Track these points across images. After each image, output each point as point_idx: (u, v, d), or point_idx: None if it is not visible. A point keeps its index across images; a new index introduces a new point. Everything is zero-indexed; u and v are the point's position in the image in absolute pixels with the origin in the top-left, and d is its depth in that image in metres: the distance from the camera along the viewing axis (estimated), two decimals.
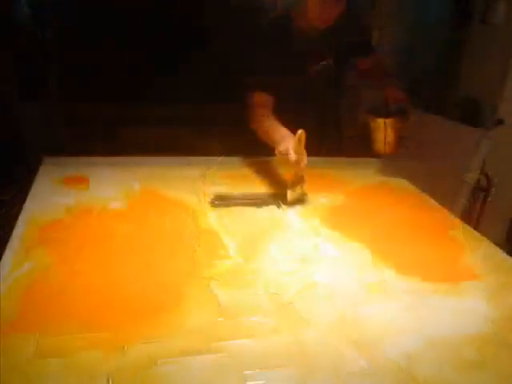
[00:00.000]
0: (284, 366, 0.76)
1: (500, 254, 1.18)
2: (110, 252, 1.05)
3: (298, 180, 1.35)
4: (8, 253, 0.99)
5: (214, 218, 1.24)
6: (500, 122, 2.33)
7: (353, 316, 0.90)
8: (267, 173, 1.57)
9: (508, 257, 1.16)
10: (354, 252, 1.13)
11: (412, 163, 1.92)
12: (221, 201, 1.34)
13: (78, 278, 0.94)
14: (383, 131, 1.54)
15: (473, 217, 2.06)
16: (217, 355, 0.77)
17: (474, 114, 2.43)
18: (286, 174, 1.50)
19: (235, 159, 1.70)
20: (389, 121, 1.53)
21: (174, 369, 0.73)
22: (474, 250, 1.18)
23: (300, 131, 1.28)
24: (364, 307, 0.92)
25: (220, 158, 1.64)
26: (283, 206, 1.34)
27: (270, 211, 1.32)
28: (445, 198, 1.52)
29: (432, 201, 1.48)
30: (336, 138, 1.95)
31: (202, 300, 0.90)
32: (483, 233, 1.29)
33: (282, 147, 1.30)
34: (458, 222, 1.36)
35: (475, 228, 1.36)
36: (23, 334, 0.77)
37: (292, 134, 1.32)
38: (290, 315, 0.88)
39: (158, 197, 1.34)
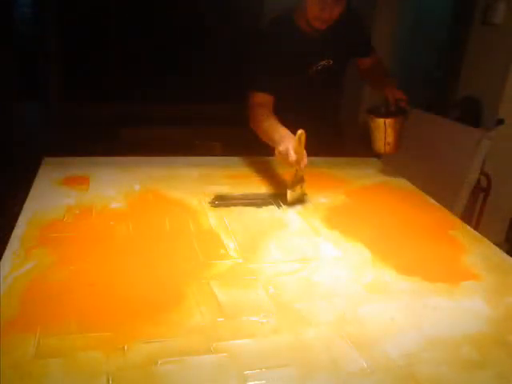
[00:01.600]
0: (284, 365, 0.76)
1: (500, 254, 1.18)
2: (110, 252, 1.05)
3: (298, 180, 1.35)
4: (8, 253, 0.99)
5: (213, 218, 1.24)
6: (500, 121, 2.33)
7: (353, 316, 0.90)
8: (267, 173, 1.57)
9: (508, 257, 1.16)
10: (354, 252, 1.13)
11: (412, 163, 1.92)
12: (221, 201, 1.34)
13: (78, 277, 0.94)
14: (383, 131, 1.54)
15: (473, 217, 2.06)
16: (217, 355, 0.77)
17: (474, 114, 2.43)
18: (285, 174, 1.50)
19: (235, 159, 1.70)
20: (389, 121, 1.53)
21: (174, 369, 0.73)
22: (474, 250, 1.18)
23: (300, 131, 1.28)
24: (364, 307, 0.92)
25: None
26: (283, 205, 1.35)
27: (270, 211, 1.32)
28: (445, 198, 1.52)
29: (432, 201, 1.48)
30: (336, 138, 1.95)
31: (202, 300, 0.90)
32: (483, 233, 1.29)
33: (281, 147, 1.30)
34: (458, 221, 1.36)
35: (475, 228, 1.37)
36: (23, 334, 0.77)
37: (292, 134, 1.32)
38: (290, 315, 0.88)
39: (158, 197, 1.34)
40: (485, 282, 1.05)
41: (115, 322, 0.83)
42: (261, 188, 1.47)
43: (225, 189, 1.42)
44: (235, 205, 1.33)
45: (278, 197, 1.38)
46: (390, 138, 1.55)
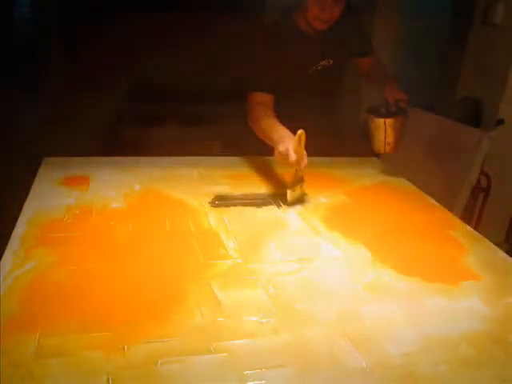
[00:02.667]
0: (284, 365, 0.76)
1: (499, 254, 1.18)
2: (111, 252, 1.05)
3: (298, 180, 1.35)
4: (8, 253, 0.99)
5: (213, 218, 1.24)
6: (500, 121, 2.33)
7: (352, 316, 0.90)
8: (267, 173, 1.57)
9: (507, 257, 1.16)
10: (354, 252, 1.14)
11: (412, 163, 1.92)
12: (221, 201, 1.34)
13: (78, 277, 0.94)
14: (383, 131, 1.54)
15: (473, 217, 2.06)
16: (217, 355, 0.77)
17: (474, 114, 2.43)
18: (285, 174, 1.50)
19: (235, 159, 1.70)
20: (389, 121, 1.53)
21: (174, 369, 0.73)
22: (474, 250, 1.18)
23: (300, 131, 1.28)
24: (364, 307, 0.93)
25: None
26: (283, 205, 1.35)
27: (270, 211, 1.32)
28: (445, 198, 1.52)
29: (432, 201, 1.48)
30: (336, 138, 1.95)
31: (203, 300, 0.90)
32: (483, 233, 1.29)
33: (281, 147, 1.30)
34: (458, 221, 1.37)
35: (475, 228, 1.37)
36: (24, 334, 0.78)
37: (291, 134, 1.32)
38: (290, 315, 0.89)
39: (158, 197, 1.34)
40: (484, 282, 1.05)
41: (115, 322, 0.83)
42: (261, 188, 1.47)
43: (225, 189, 1.42)
44: (235, 205, 1.33)
45: (278, 197, 1.38)
46: (390, 138, 1.55)
